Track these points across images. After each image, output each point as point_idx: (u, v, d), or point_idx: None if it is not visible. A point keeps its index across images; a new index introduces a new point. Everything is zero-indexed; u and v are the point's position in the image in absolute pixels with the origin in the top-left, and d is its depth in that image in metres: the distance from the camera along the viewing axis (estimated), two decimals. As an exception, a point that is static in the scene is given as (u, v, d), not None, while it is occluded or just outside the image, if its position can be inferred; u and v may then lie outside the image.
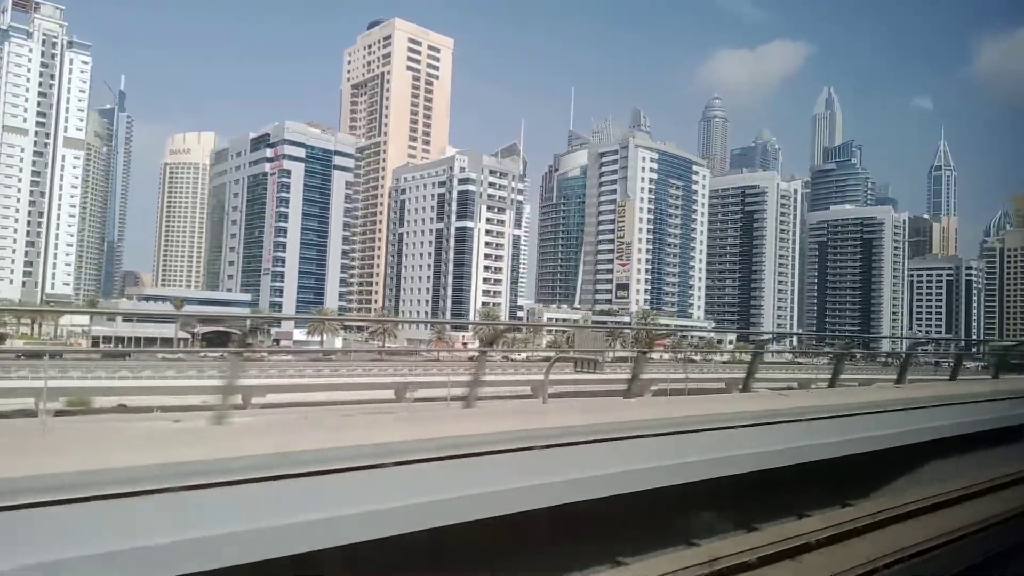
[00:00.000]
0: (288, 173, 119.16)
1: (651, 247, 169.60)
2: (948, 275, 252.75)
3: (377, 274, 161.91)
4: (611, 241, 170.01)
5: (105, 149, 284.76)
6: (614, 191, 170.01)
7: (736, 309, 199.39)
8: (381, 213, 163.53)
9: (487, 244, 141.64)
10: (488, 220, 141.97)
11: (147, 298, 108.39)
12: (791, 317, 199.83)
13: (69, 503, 3.84)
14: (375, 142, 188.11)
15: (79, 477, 4.00)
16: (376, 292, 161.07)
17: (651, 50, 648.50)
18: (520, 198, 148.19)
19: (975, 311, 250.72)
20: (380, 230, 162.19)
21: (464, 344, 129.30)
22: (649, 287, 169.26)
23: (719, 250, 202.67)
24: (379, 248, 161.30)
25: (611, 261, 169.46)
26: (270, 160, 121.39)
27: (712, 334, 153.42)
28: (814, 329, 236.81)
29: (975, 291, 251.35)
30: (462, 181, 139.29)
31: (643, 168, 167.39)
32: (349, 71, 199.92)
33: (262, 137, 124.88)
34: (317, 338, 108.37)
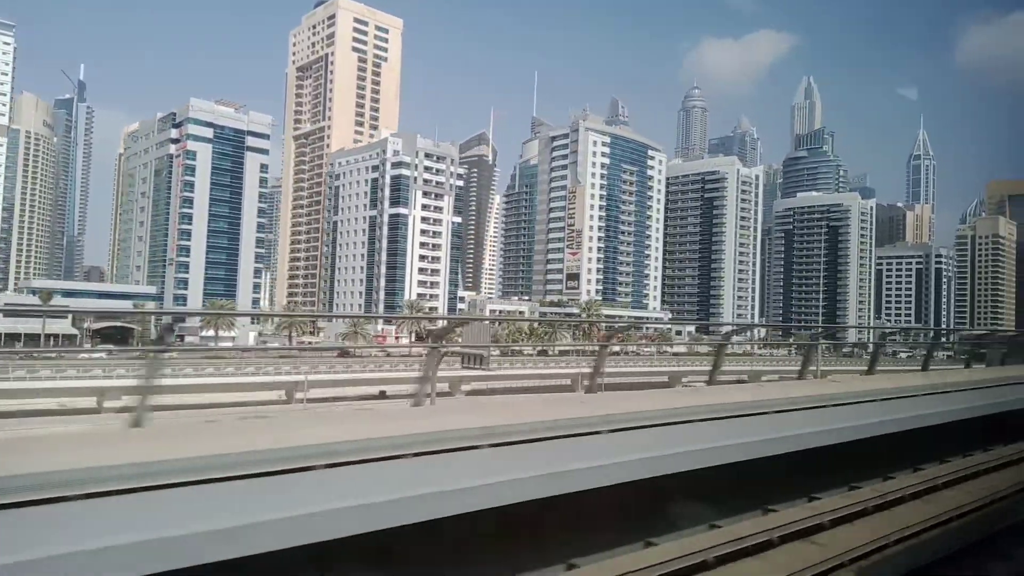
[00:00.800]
0: (193, 155, 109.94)
1: (603, 235, 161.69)
2: (918, 263, 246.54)
3: (323, 266, 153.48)
4: (562, 229, 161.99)
5: (57, 140, 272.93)
6: (565, 177, 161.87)
7: (696, 299, 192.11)
8: (328, 200, 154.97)
9: (423, 232, 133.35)
10: (424, 207, 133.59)
11: (33, 291, 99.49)
12: (752, 307, 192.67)
13: None
14: (319, 127, 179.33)
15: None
16: (321, 285, 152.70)
17: (634, 39, 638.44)
18: (460, 183, 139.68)
19: (945, 300, 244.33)
20: (325, 219, 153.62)
21: (397, 339, 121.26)
22: (601, 277, 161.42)
23: (679, 238, 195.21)
24: (324, 238, 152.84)
25: (562, 250, 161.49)
26: (175, 141, 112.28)
27: (666, 325, 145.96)
28: (780, 319, 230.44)
29: (945, 279, 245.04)
30: (395, 165, 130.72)
31: (594, 153, 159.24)
32: (295, 53, 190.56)
33: (169, 117, 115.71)
34: (219, 333, 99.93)
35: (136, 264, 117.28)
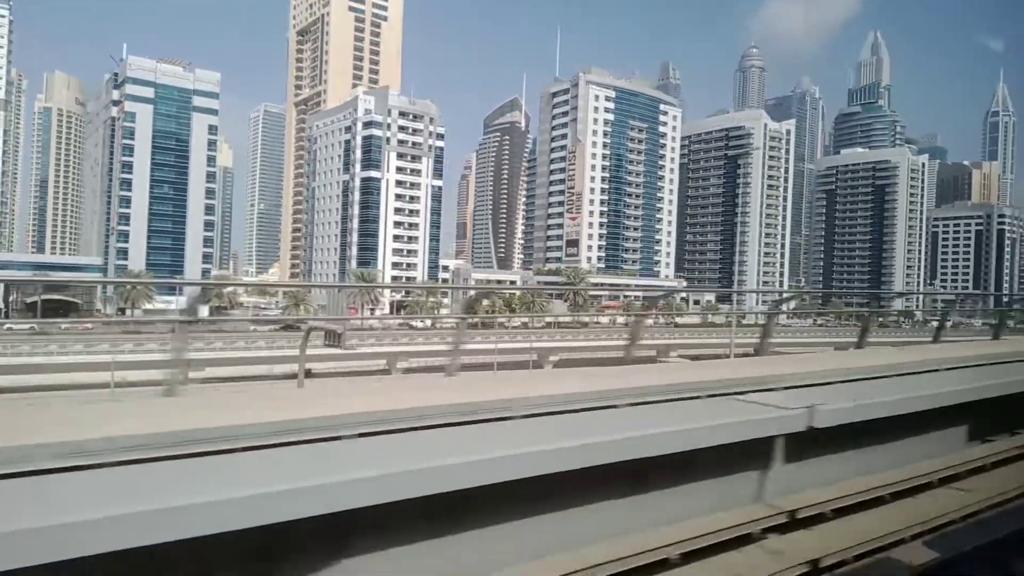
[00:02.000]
0: (133, 117, 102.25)
1: (607, 198, 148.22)
2: (978, 224, 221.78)
3: (303, 235, 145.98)
4: (562, 192, 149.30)
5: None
6: (566, 136, 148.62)
7: (719, 266, 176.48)
8: (308, 166, 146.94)
9: (399, 197, 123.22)
10: (399, 170, 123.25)
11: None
12: (781, 275, 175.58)
13: None
14: (317, 91, 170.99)
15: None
16: (302, 255, 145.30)
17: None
18: (440, 144, 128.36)
19: (1008, 264, 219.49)
20: (305, 186, 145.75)
21: (372, 311, 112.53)
22: (604, 243, 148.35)
23: (700, 200, 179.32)
24: (305, 205, 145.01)
25: (563, 215, 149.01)
26: (117, 103, 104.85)
27: (676, 294, 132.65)
28: (820, 287, 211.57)
29: (1008, 241, 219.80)
30: (366, 125, 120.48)
31: (596, 108, 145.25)
32: (295, 16, 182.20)
33: (112, 78, 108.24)
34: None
35: (88, 235, 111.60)
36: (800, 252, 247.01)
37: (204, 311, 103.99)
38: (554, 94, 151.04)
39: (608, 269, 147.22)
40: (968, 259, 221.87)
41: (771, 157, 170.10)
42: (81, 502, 3.39)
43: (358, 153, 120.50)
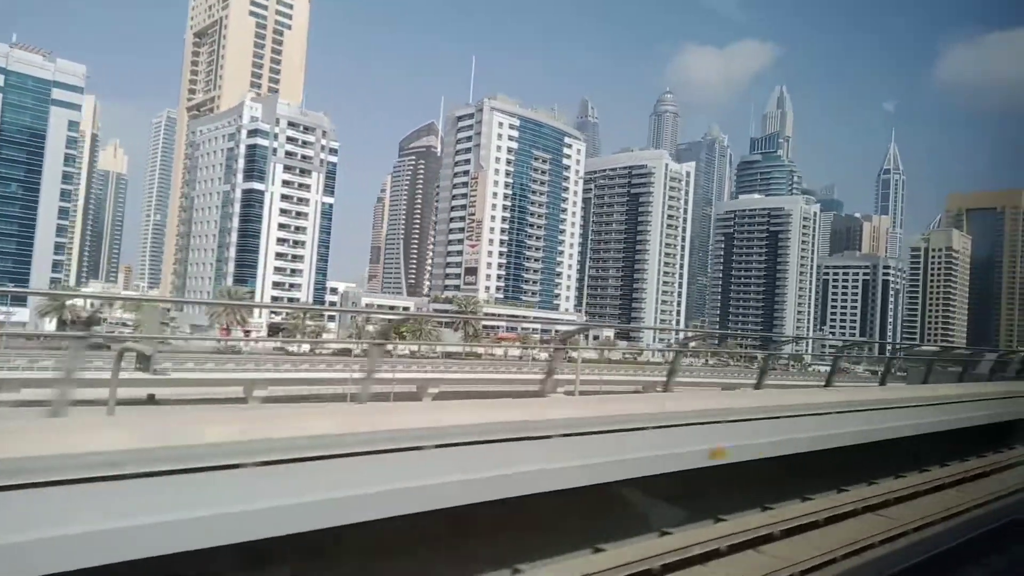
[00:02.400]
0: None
1: (508, 227, 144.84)
2: (865, 274, 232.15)
3: (179, 248, 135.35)
4: (463, 219, 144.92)
5: None
6: (469, 161, 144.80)
7: (618, 303, 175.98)
8: (188, 174, 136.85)
9: (284, 212, 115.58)
10: (287, 183, 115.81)
11: None
12: (677, 312, 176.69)
13: None
14: (211, 96, 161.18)
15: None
16: (178, 269, 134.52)
17: (613, 43, 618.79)
18: (334, 159, 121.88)
19: (892, 313, 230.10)
20: (184, 195, 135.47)
21: (246, 333, 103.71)
22: (504, 273, 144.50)
23: (603, 236, 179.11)
24: (181, 216, 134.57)
25: (462, 242, 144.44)
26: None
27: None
28: (716, 327, 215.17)
29: (892, 291, 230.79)
30: (251, 133, 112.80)
31: (500, 135, 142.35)
32: (193, 16, 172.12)
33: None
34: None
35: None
36: (705, 292, 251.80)
37: (48, 325, 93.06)
38: (459, 118, 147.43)
39: (507, 300, 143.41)
40: (856, 307, 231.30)
41: (671, 197, 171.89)
42: None
43: (241, 163, 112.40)
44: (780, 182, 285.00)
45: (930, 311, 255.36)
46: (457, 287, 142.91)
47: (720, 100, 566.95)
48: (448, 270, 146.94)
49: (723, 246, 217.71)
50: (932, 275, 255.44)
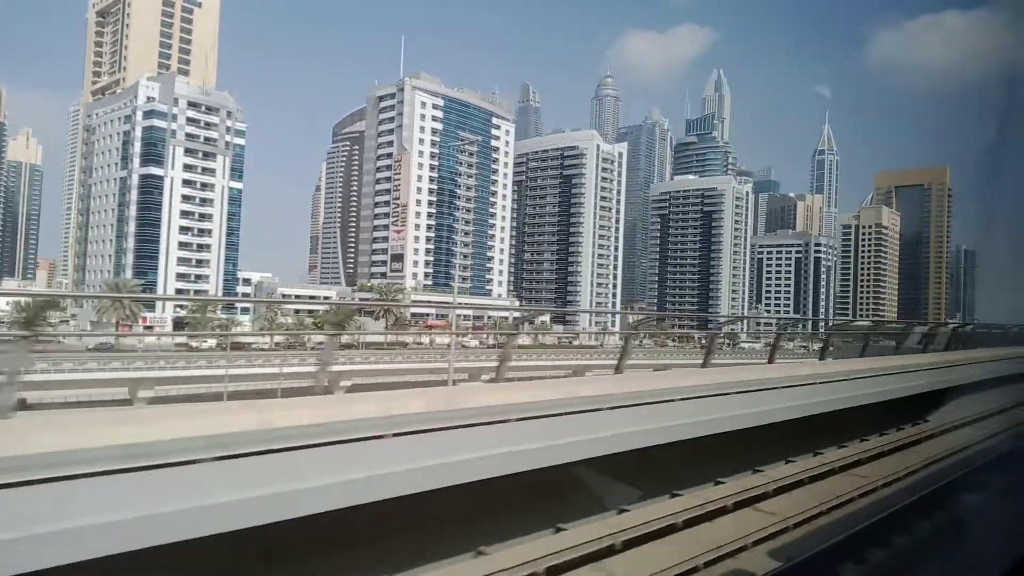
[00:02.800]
0: None
1: (435, 211, 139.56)
2: (797, 252, 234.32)
3: (76, 239, 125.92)
4: (387, 203, 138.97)
5: None
6: (392, 143, 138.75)
7: (554, 286, 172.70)
8: (84, 159, 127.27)
9: (186, 199, 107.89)
10: (189, 168, 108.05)
11: None
12: (613, 295, 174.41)
13: None
14: (116, 79, 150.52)
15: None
16: (75, 262, 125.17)
17: (554, 26, 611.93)
18: (240, 141, 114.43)
19: (824, 290, 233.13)
20: (80, 183, 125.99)
21: (149, 326, 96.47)
22: (432, 259, 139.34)
23: (536, 219, 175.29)
24: (79, 205, 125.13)
25: (388, 227, 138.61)
26: None
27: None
28: (654, 308, 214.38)
29: (824, 268, 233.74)
30: (148, 115, 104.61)
31: (423, 116, 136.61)
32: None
33: None
34: None
35: None
36: (645, 274, 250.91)
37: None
38: (381, 98, 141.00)
39: (436, 286, 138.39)
40: (790, 284, 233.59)
41: (604, 178, 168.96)
42: None
43: (137, 147, 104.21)
44: (715, 163, 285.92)
45: (862, 287, 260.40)
46: (383, 274, 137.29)
47: (662, 85, 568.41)
48: (375, 257, 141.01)
49: (659, 227, 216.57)
50: (863, 252, 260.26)
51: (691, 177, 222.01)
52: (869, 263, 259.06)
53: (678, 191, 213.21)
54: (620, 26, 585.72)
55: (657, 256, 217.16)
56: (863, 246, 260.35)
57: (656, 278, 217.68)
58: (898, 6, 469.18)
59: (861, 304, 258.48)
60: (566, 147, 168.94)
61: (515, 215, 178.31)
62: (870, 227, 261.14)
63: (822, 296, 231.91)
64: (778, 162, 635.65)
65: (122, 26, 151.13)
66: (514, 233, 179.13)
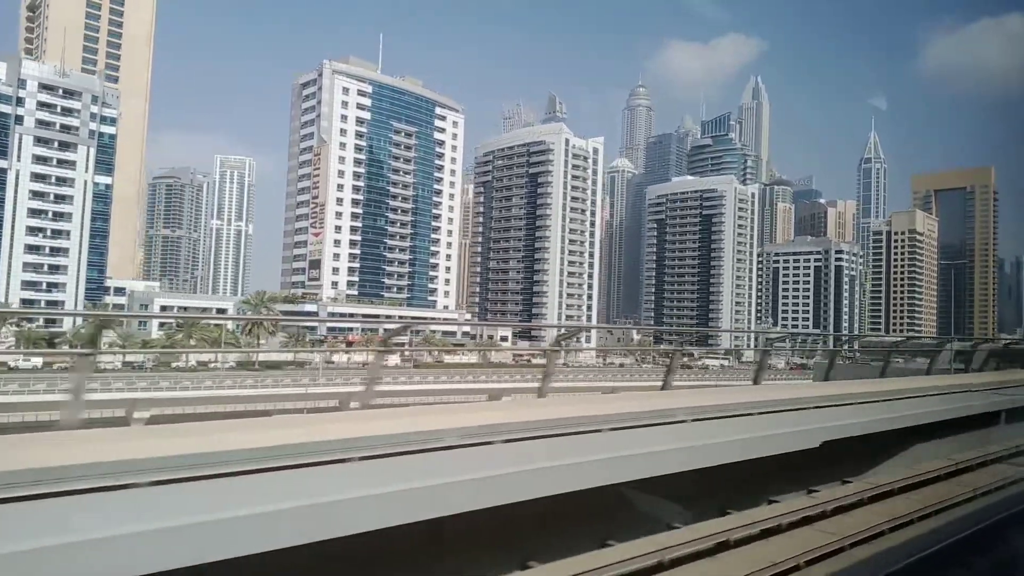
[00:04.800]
0: None
1: (363, 211, 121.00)
2: (816, 260, 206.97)
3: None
4: (307, 203, 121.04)
5: None
6: (313, 136, 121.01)
7: (520, 296, 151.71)
8: None
9: (37, 195, 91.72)
10: (41, 160, 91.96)
11: None
12: (588, 309, 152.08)
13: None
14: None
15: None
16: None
17: (595, 39, 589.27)
18: (110, 130, 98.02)
19: (847, 301, 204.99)
20: None
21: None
22: (359, 265, 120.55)
23: (503, 223, 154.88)
24: None
25: (307, 230, 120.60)
26: None
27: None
28: (652, 322, 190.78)
29: (847, 278, 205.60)
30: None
31: (346, 103, 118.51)
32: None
33: None
34: None
35: None
36: (642, 285, 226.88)
37: None
38: (303, 85, 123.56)
39: (362, 297, 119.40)
40: (808, 296, 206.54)
41: (575, 176, 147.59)
42: None
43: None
44: (731, 166, 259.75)
45: (895, 299, 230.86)
46: (302, 283, 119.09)
47: (706, 96, 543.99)
48: (296, 264, 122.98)
49: (656, 234, 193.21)
50: (896, 260, 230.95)
51: (690, 178, 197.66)
52: (902, 273, 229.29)
53: (676, 193, 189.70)
54: (661, 37, 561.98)
55: (654, 265, 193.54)
56: (896, 254, 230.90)
57: (653, 289, 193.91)
58: (954, 10, 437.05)
59: (895, 318, 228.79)
60: (532, 142, 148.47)
61: (484, 219, 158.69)
62: (902, 233, 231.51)
63: (845, 309, 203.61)
64: (825, 171, 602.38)
65: (42, 17, 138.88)
66: (481, 239, 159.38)
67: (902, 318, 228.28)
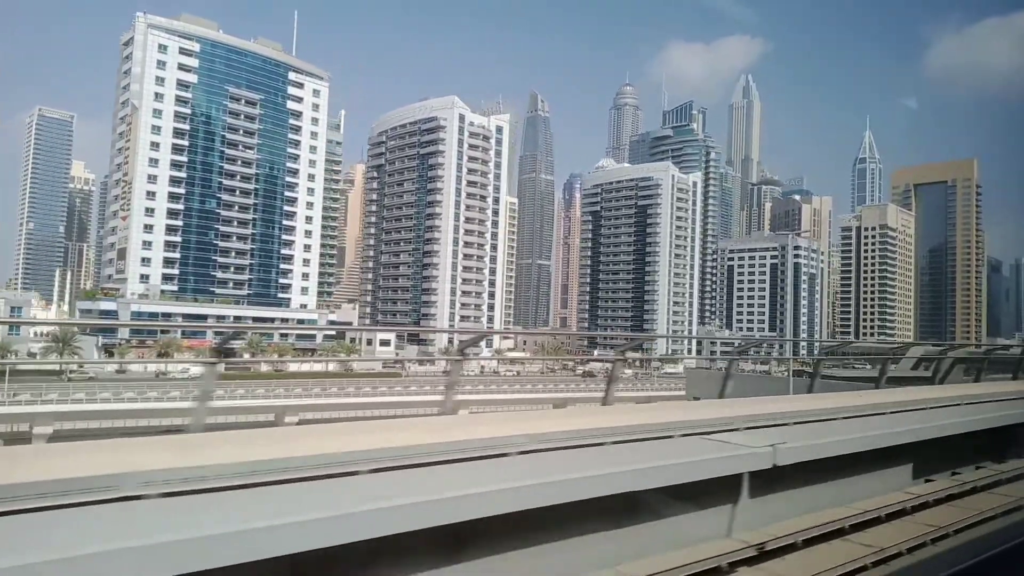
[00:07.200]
0: None
1: (184, 191, 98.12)
2: (773, 257, 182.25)
3: None
4: (119, 183, 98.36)
5: None
6: (128, 102, 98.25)
7: (409, 295, 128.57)
8: None
9: None
10: None
11: None
12: (490, 307, 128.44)
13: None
14: None
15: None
16: None
17: (595, 37, 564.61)
18: None
19: (805, 303, 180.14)
20: None
21: None
22: (179, 255, 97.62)
23: (394, 212, 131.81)
24: None
25: (117, 213, 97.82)
26: None
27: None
28: (585, 327, 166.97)
29: (805, 276, 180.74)
30: None
31: (162, 63, 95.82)
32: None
33: None
34: None
35: None
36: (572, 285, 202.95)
37: None
38: (125, 44, 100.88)
39: (183, 293, 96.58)
40: (764, 296, 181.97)
41: (471, 158, 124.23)
42: None
43: None
44: (692, 158, 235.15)
45: (865, 300, 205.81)
46: (110, 276, 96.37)
47: (708, 96, 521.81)
48: (108, 254, 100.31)
49: (590, 228, 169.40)
50: (866, 259, 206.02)
51: (626, 165, 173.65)
52: (873, 272, 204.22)
53: (610, 183, 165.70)
54: (663, 38, 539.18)
55: (588, 263, 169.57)
56: (866, 252, 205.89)
57: (588, 290, 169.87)
58: (961, 9, 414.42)
59: (865, 321, 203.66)
60: (423, 119, 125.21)
61: (376, 207, 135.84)
62: (873, 229, 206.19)
63: (804, 311, 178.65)
64: (824, 171, 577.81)
65: None
66: (373, 230, 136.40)
67: (872, 321, 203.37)
